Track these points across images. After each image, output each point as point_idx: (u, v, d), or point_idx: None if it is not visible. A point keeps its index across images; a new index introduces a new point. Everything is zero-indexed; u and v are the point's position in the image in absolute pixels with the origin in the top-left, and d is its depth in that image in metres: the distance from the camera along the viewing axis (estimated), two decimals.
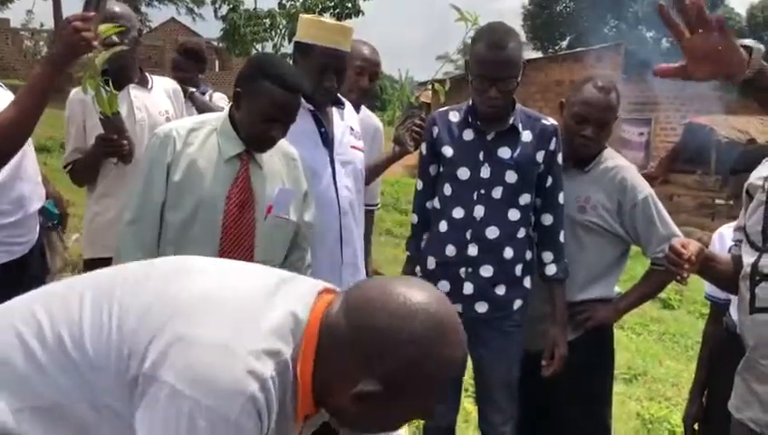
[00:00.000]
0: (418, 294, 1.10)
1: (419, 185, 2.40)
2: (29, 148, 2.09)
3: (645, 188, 2.39)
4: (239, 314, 1.11)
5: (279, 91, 1.91)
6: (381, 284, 1.14)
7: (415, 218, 2.43)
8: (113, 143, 2.47)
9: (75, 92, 2.62)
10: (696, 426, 2.46)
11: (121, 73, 2.57)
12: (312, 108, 2.29)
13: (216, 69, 26.10)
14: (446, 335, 1.09)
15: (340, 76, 2.29)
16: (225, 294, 1.15)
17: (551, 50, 28.17)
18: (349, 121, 2.44)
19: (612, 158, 2.44)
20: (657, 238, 2.34)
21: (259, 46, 16.37)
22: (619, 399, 3.99)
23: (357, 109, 2.66)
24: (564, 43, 29.41)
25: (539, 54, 25.69)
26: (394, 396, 1.07)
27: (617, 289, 2.55)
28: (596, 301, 2.43)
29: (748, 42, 1.40)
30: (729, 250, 1.88)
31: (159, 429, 1.04)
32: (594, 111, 2.31)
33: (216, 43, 21.88)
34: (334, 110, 2.39)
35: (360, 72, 2.78)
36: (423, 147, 2.37)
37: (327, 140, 2.33)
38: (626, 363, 4.61)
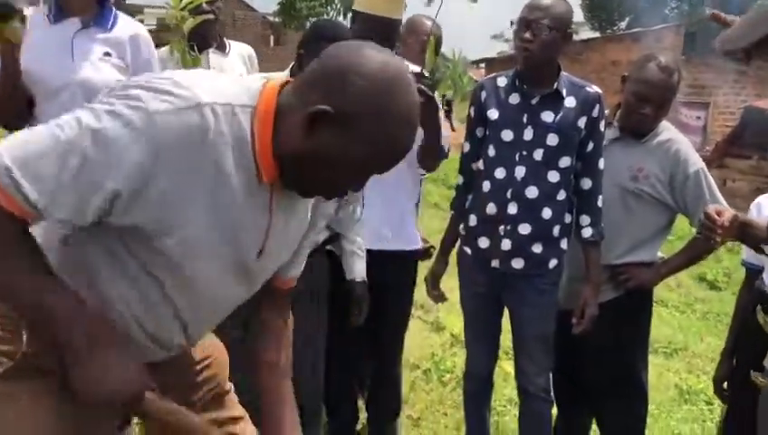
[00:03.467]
0: (386, 54, 1.17)
1: (466, 147, 2.51)
2: None
3: (697, 162, 2.48)
4: (193, 74, 1.18)
5: None
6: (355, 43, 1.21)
7: (460, 179, 2.56)
8: None
9: (158, 54, 2.85)
10: (725, 385, 2.55)
11: (203, 39, 2.79)
12: None
13: (272, 44, 26.39)
14: (400, 89, 1.14)
15: (387, 43, 2.42)
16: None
17: (609, 30, 27.57)
18: None
19: (668, 130, 2.53)
20: None
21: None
22: (657, 370, 4.07)
23: None
24: (623, 24, 28.73)
25: (596, 34, 25.19)
26: (344, 127, 1.12)
27: (659, 254, 2.65)
28: (639, 264, 2.54)
29: None
30: None
31: (92, 105, 1.12)
32: (655, 92, 2.40)
33: (272, 18, 22.15)
34: None
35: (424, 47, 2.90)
36: (471, 110, 2.49)
37: None
38: (666, 338, 4.66)
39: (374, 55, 1.14)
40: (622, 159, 2.48)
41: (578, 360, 2.69)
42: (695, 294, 6.00)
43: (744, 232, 1.88)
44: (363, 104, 1.12)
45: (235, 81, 1.21)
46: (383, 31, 2.37)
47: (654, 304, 2.71)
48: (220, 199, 1.16)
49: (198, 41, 2.67)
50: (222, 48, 2.98)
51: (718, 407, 3.53)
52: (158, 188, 1.10)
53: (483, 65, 18.21)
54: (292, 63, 2.20)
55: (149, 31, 2.47)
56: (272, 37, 27.00)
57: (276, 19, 20.09)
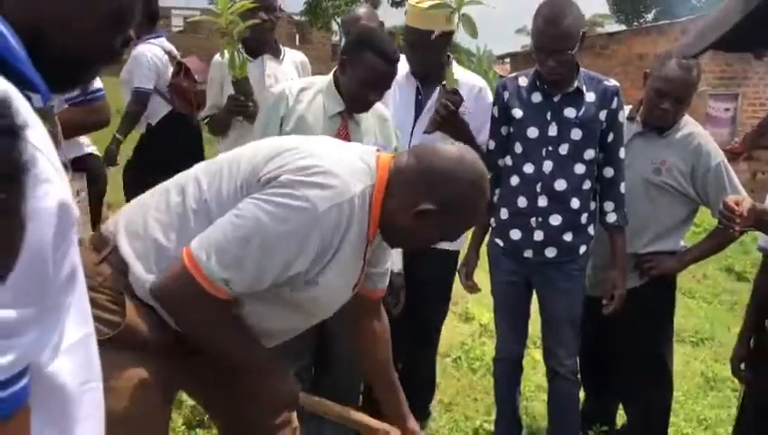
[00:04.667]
0: (468, 153, 1.57)
1: (491, 145, 2.62)
2: None
3: (718, 155, 2.60)
4: (331, 156, 1.50)
5: (379, 62, 2.20)
6: (440, 144, 1.63)
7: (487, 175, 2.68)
8: (240, 103, 2.81)
9: (217, 57, 3.03)
10: (742, 366, 2.65)
11: (258, 44, 2.96)
12: (417, 81, 2.68)
13: (297, 42, 26.58)
14: (483, 184, 1.57)
15: (432, 50, 2.57)
16: (316, 145, 1.57)
17: (635, 23, 27.34)
18: None
19: (689, 124, 2.65)
20: None
21: (340, 20, 16.66)
22: (684, 359, 4.14)
23: None
24: (650, 16, 28.46)
25: (622, 27, 24.98)
26: (442, 216, 1.52)
27: (682, 243, 2.76)
28: (663, 253, 2.65)
29: None
30: None
31: (266, 202, 1.40)
32: (674, 88, 2.51)
33: (297, 17, 22.37)
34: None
35: None
36: (494, 110, 2.60)
37: (419, 106, 2.68)
38: (693, 328, 4.71)
39: (464, 159, 1.54)
40: (646, 152, 2.60)
41: (604, 345, 2.81)
42: (722, 286, 6.04)
43: (762, 220, 1.99)
44: (458, 200, 1.53)
45: (358, 157, 1.54)
46: (421, 41, 2.54)
47: (681, 295, 2.81)
48: (346, 257, 1.52)
49: (253, 46, 2.83)
50: (277, 54, 3.11)
51: None
52: (321, 262, 1.47)
53: (507, 60, 18.23)
54: (335, 69, 2.34)
55: (178, 32, 2.65)
56: (297, 36, 27.24)
57: (302, 18, 20.29)
